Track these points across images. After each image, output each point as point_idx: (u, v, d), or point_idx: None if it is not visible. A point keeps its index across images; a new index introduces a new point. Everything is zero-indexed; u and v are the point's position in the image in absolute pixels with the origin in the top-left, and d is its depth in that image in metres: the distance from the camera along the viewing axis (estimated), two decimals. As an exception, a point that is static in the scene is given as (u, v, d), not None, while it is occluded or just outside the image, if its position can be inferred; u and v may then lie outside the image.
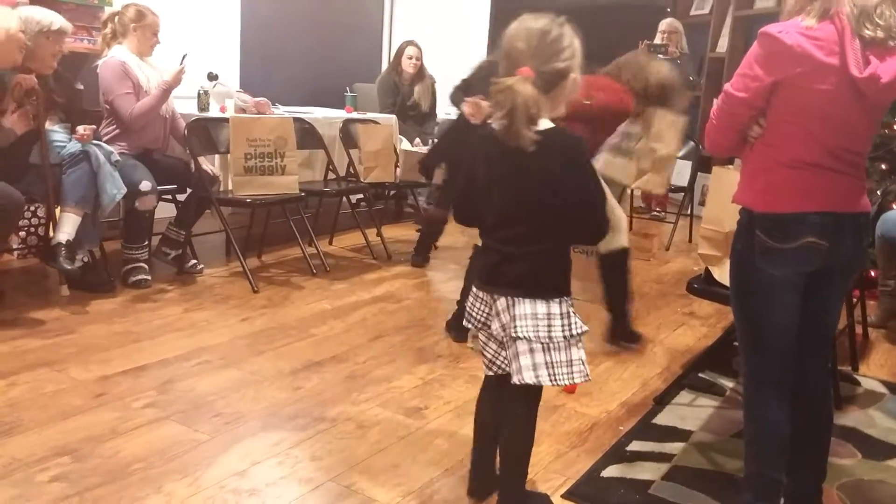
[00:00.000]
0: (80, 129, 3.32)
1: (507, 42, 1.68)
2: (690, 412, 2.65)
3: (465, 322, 1.88)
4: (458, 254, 4.94)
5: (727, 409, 2.70)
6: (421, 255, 4.54)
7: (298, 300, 3.70)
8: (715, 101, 1.91)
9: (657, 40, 5.49)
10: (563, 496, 2.07)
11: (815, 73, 1.66)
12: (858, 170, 1.77)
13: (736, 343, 3.18)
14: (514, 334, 1.71)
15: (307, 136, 4.54)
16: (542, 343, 1.71)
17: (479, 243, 1.91)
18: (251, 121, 4.04)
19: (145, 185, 3.52)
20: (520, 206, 1.71)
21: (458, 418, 2.49)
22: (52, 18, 3.34)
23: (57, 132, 3.41)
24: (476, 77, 3.31)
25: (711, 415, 2.66)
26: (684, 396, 2.78)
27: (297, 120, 4.38)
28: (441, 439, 2.36)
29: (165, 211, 4.00)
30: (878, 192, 3.65)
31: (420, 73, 5.96)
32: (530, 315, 1.70)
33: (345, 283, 4.05)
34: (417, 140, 5.62)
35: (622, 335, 3.22)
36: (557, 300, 1.73)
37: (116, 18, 3.74)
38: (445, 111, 6.57)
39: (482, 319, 1.81)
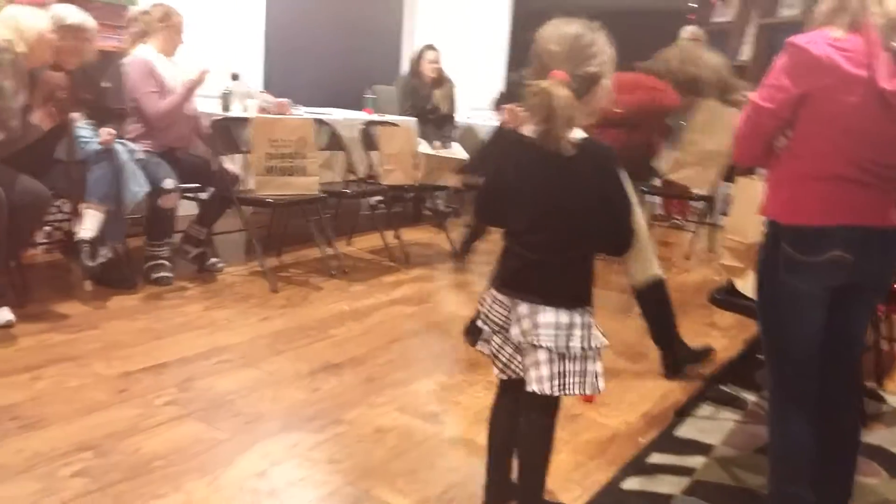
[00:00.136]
0: (104, 132, 3.34)
1: (539, 45, 1.66)
2: (712, 425, 2.63)
3: (479, 323, 1.87)
4: (477, 258, 4.94)
5: (750, 424, 2.68)
6: (464, 254, 4.54)
7: (317, 301, 3.72)
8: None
9: (680, 48, 5.45)
10: (581, 507, 2.07)
11: (842, 84, 1.65)
12: (888, 183, 1.74)
13: (759, 356, 3.18)
14: (536, 343, 1.70)
15: (328, 137, 4.56)
16: (559, 353, 1.70)
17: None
18: (273, 121, 4.06)
19: (168, 183, 3.55)
20: (550, 214, 1.70)
21: (475, 425, 2.49)
22: (75, 15, 3.37)
23: (82, 128, 3.44)
24: (514, 85, 3.30)
25: (733, 429, 2.63)
26: (706, 409, 2.75)
27: (318, 121, 4.40)
28: (458, 446, 2.36)
29: (188, 209, 4.03)
30: None
31: (440, 77, 5.97)
32: (553, 324, 1.69)
33: (363, 285, 4.06)
34: (437, 143, 5.62)
35: (682, 365, 3.07)
36: (580, 310, 1.72)
37: (143, 18, 3.78)
38: (466, 115, 6.59)
39: (500, 323, 1.80)
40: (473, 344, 3.17)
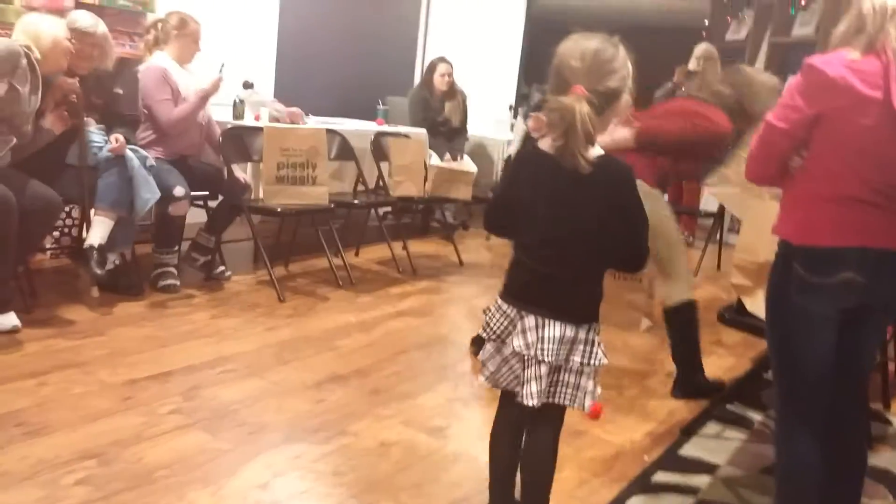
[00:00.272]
0: (113, 140, 3.35)
1: (559, 60, 1.65)
2: (717, 445, 2.61)
3: (481, 332, 1.86)
4: (484, 270, 4.94)
5: (756, 444, 2.66)
6: None
7: (323, 311, 3.71)
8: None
9: (691, 66, 5.45)
10: (586, 525, 2.05)
11: (857, 106, 1.64)
12: None
13: (766, 375, 3.16)
14: (539, 356, 1.69)
15: (339, 147, 4.57)
16: (560, 365, 1.70)
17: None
18: (285, 131, 4.06)
19: (179, 191, 3.55)
20: (563, 229, 1.69)
21: (480, 439, 2.45)
22: (85, 20, 3.39)
23: (94, 133, 3.46)
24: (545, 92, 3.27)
25: (739, 448, 2.61)
26: (711, 428, 2.74)
27: (329, 131, 4.40)
28: (463, 460, 2.35)
29: (196, 216, 4.03)
30: None
31: (451, 90, 5.98)
32: (557, 339, 1.68)
33: (370, 296, 4.06)
34: (447, 155, 5.63)
35: (694, 390, 3.02)
36: (586, 326, 1.71)
37: (160, 25, 3.80)
38: (478, 128, 6.60)
39: (498, 332, 1.78)
40: (477, 354, 3.17)
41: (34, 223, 3.01)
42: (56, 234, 4.02)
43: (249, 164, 4.30)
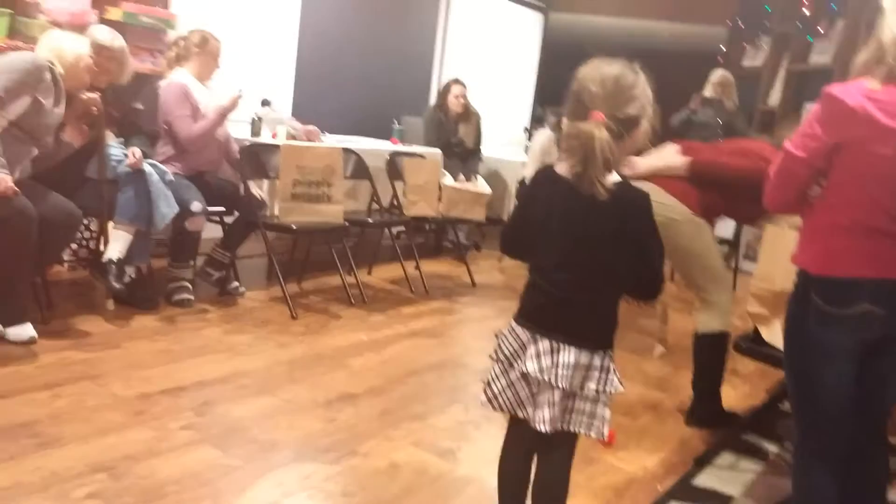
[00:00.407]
0: (131, 154, 3.38)
1: (579, 84, 1.63)
2: (732, 475, 2.58)
3: (490, 356, 1.85)
4: (496, 292, 4.94)
5: (771, 476, 2.62)
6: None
7: (336, 329, 3.71)
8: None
9: (708, 92, 5.45)
10: (597, 553, 2.03)
11: (877, 136, 1.64)
12: None
13: (781, 406, 3.13)
14: (553, 382, 1.68)
15: (354, 166, 4.60)
16: (572, 392, 1.68)
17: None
18: (302, 149, 4.09)
19: (196, 206, 3.57)
20: (578, 254, 1.68)
21: (490, 463, 2.43)
22: (104, 35, 3.43)
23: (113, 147, 3.49)
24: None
25: (754, 480, 2.58)
26: (726, 458, 2.71)
27: (345, 150, 4.43)
28: (473, 484, 2.33)
29: (211, 232, 4.05)
30: None
31: (466, 111, 5.99)
32: (572, 364, 1.67)
33: (382, 315, 4.06)
34: (461, 176, 5.64)
35: (709, 420, 2.98)
36: (601, 353, 1.70)
37: (182, 42, 3.85)
38: (492, 149, 6.62)
39: (507, 354, 1.77)
40: None
41: (54, 235, 3.04)
42: (74, 246, 4.04)
43: (266, 181, 4.33)
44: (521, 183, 6.01)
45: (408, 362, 3.36)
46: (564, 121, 1.68)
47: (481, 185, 5.63)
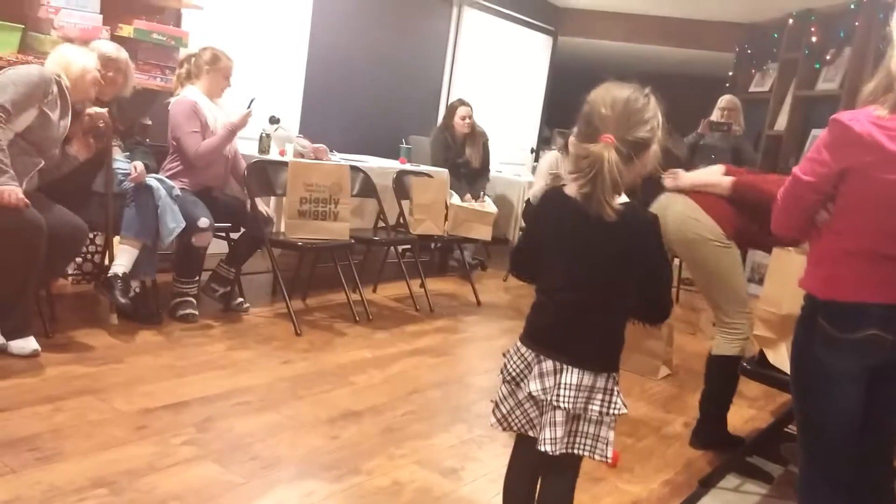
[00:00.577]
0: (133, 168, 3.40)
1: (590, 106, 1.64)
2: (736, 498, 2.57)
3: (498, 375, 1.84)
4: (501, 311, 4.93)
5: (776, 499, 2.61)
6: None
7: (340, 346, 3.70)
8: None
9: (715, 117, 5.46)
10: (600, 576, 2.01)
11: (884, 162, 1.64)
12: None
13: (787, 429, 3.11)
14: (555, 402, 1.67)
15: (361, 184, 4.61)
16: (576, 414, 1.67)
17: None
18: (309, 166, 4.11)
19: (203, 222, 3.58)
20: (585, 275, 1.68)
21: (494, 483, 2.44)
22: (108, 47, 3.47)
23: (120, 161, 3.50)
24: None
25: (759, 503, 2.56)
26: (730, 481, 2.69)
27: (352, 168, 4.45)
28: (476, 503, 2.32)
29: (217, 247, 4.06)
30: None
31: (472, 132, 6.00)
32: (574, 386, 1.66)
33: (386, 333, 4.05)
34: (468, 196, 5.65)
35: (714, 442, 2.98)
36: (605, 375, 1.69)
37: (193, 60, 3.87)
38: (498, 169, 6.64)
39: (513, 374, 1.77)
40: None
41: (60, 248, 3.04)
42: (79, 260, 4.05)
43: (273, 198, 4.34)
44: (528, 203, 6.02)
45: (412, 380, 3.35)
46: (573, 141, 1.69)
47: (488, 205, 5.64)
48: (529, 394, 1.71)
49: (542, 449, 1.68)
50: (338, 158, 5.02)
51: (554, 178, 5.49)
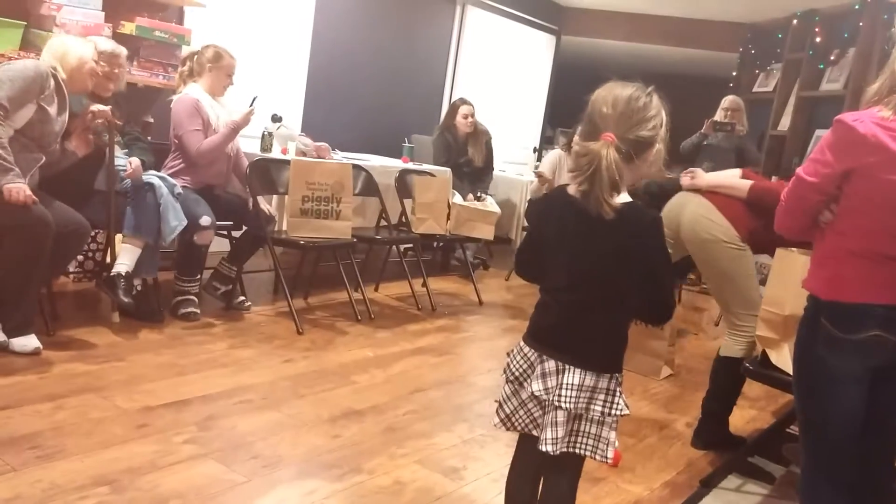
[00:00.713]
0: (129, 166, 3.39)
1: (592, 105, 1.64)
2: (738, 498, 2.56)
3: (501, 374, 1.84)
4: (503, 311, 4.92)
5: (777, 499, 2.60)
6: None
7: (342, 345, 3.70)
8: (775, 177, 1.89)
9: (719, 117, 5.45)
10: (602, 576, 2.01)
11: (888, 163, 1.64)
12: None
13: (788, 429, 3.10)
14: (556, 402, 1.67)
15: (364, 183, 4.60)
16: (578, 413, 1.67)
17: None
18: (312, 164, 4.10)
19: (205, 220, 3.58)
20: (587, 275, 1.67)
21: (495, 482, 2.44)
22: (108, 43, 3.47)
23: (120, 158, 3.50)
24: None
25: (760, 503, 2.56)
26: (732, 481, 2.68)
27: (355, 167, 4.44)
28: (478, 503, 2.31)
29: (218, 246, 4.06)
30: None
31: (474, 131, 5.99)
32: (576, 386, 1.66)
33: (388, 332, 4.04)
34: (470, 195, 5.64)
35: (715, 442, 2.98)
36: (608, 375, 1.68)
37: (195, 57, 3.86)
38: (499, 168, 6.63)
39: (516, 374, 1.76)
40: None
41: (62, 246, 3.04)
42: (80, 257, 4.05)
43: (275, 197, 4.34)
44: (531, 202, 6.01)
45: (413, 380, 3.35)
46: (576, 140, 1.68)
47: (490, 205, 5.64)
48: (532, 394, 1.71)
49: (543, 449, 1.68)
50: (340, 157, 5.02)
51: (540, 178, 5.49)
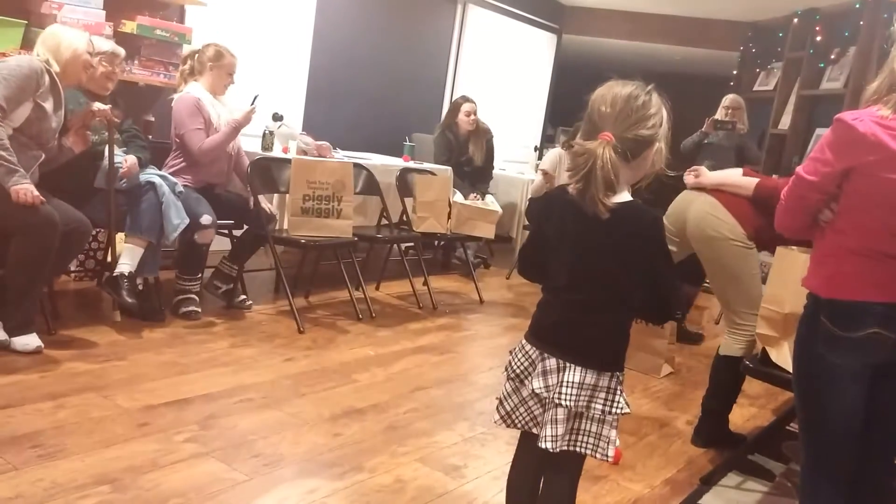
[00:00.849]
0: (124, 162, 3.38)
1: (591, 105, 1.64)
2: (738, 496, 2.56)
3: (503, 372, 1.84)
4: (504, 309, 4.93)
5: (777, 497, 2.61)
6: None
7: (343, 344, 3.70)
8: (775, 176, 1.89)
9: (719, 115, 5.45)
10: (602, 574, 2.01)
11: (887, 162, 1.64)
12: None
13: (788, 427, 3.11)
14: (556, 400, 1.67)
15: (365, 181, 4.61)
16: (578, 411, 1.67)
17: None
18: (313, 163, 4.10)
19: (206, 219, 3.58)
20: (587, 274, 1.68)
21: (496, 480, 2.44)
22: (107, 43, 3.48)
23: (117, 155, 3.49)
24: None
25: (760, 500, 2.56)
26: (732, 479, 2.69)
27: (356, 165, 4.44)
28: (479, 501, 2.31)
29: (219, 245, 4.06)
30: None
31: (476, 129, 5.98)
32: (577, 384, 1.66)
33: (389, 331, 4.05)
34: (472, 194, 5.64)
35: (715, 440, 2.99)
36: (608, 374, 1.68)
37: (196, 56, 3.87)
38: (500, 166, 6.63)
39: (518, 371, 1.77)
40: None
41: (64, 245, 3.04)
42: (81, 256, 4.05)
43: (276, 195, 4.34)
44: (531, 201, 6.01)
45: (414, 378, 3.35)
46: (577, 139, 1.69)
47: (491, 203, 5.64)
48: (533, 391, 1.71)
49: (543, 446, 1.68)
50: (341, 156, 5.02)
51: (545, 175, 5.48)
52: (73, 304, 3.75)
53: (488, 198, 5.79)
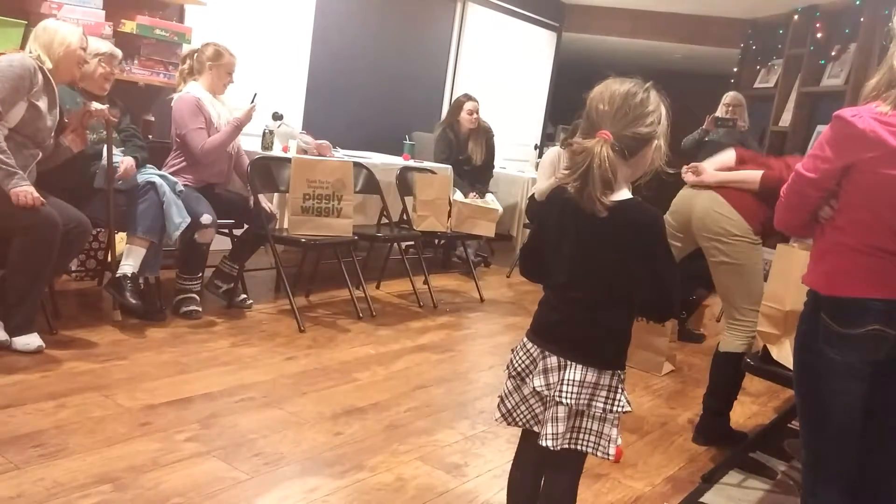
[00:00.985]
0: (122, 167, 3.38)
1: (589, 103, 1.63)
2: (739, 493, 2.56)
3: (504, 370, 1.84)
4: (504, 308, 4.93)
5: (778, 494, 2.61)
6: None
7: (343, 343, 3.70)
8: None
9: (720, 112, 5.45)
10: (603, 572, 2.01)
11: (886, 158, 1.64)
12: None
13: (790, 424, 3.11)
14: (557, 398, 1.67)
15: (365, 180, 4.61)
16: (579, 410, 1.67)
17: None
18: (313, 162, 4.10)
19: (206, 218, 3.58)
20: (587, 271, 1.67)
21: (497, 478, 2.45)
22: (106, 44, 3.49)
23: (115, 155, 3.49)
24: None
25: (762, 498, 2.56)
26: (733, 476, 2.69)
27: (356, 164, 4.44)
28: (480, 499, 2.31)
29: (220, 244, 4.06)
30: None
31: (477, 127, 5.98)
32: (578, 382, 1.66)
33: (390, 330, 4.05)
34: (472, 193, 5.64)
35: (716, 438, 2.99)
36: (609, 372, 1.68)
37: (195, 56, 3.87)
38: (500, 165, 6.63)
39: (519, 369, 1.77)
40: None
41: (64, 245, 3.04)
42: (82, 256, 4.06)
43: (276, 195, 4.34)
44: (532, 199, 6.01)
45: (415, 377, 3.35)
46: (577, 138, 1.68)
47: (492, 202, 5.63)
48: (534, 389, 1.71)
49: (543, 444, 1.68)
50: (341, 155, 5.02)
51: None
52: (74, 303, 3.75)
53: (488, 196, 5.79)
